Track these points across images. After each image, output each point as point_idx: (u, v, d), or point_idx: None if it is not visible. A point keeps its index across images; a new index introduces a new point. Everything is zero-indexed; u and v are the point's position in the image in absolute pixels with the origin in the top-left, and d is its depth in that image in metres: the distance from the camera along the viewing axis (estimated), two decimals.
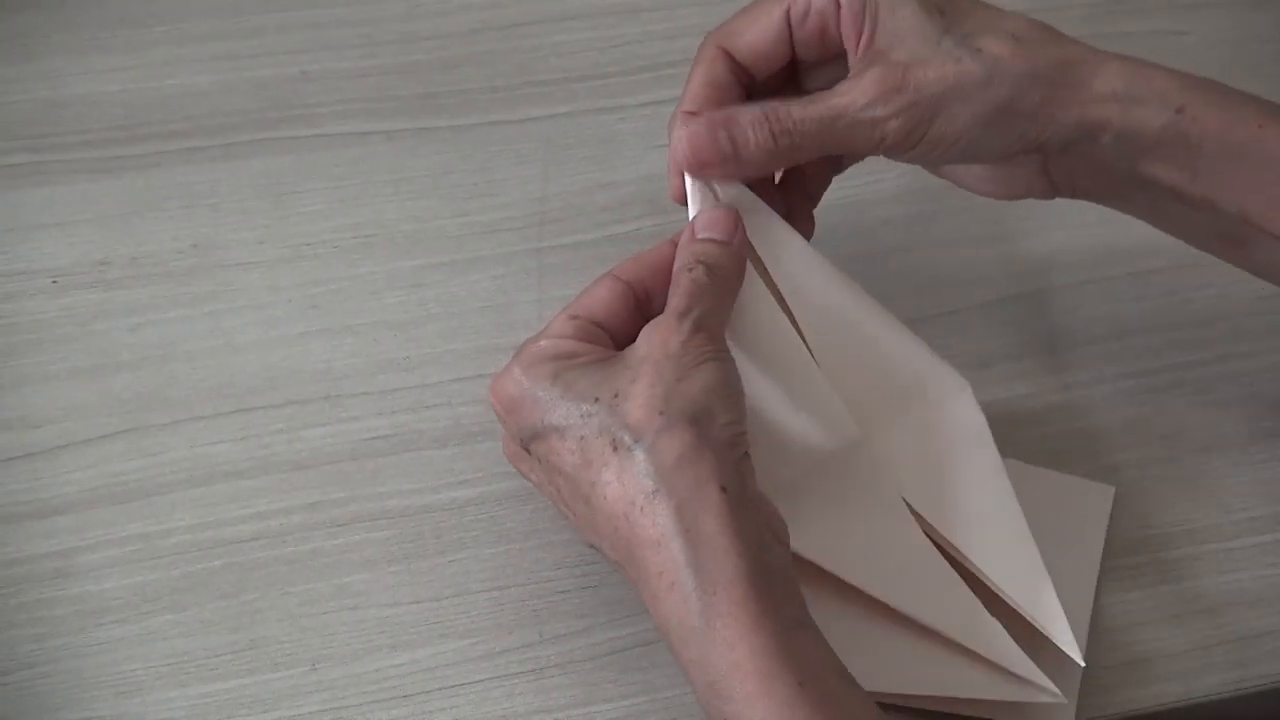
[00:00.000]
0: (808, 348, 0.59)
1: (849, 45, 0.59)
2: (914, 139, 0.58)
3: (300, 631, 0.61)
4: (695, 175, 0.59)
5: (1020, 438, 0.66)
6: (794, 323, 0.60)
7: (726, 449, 0.53)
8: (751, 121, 0.58)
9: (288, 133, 0.75)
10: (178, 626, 0.61)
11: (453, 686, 0.60)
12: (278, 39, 0.78)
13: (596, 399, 0.53)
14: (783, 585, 0.52)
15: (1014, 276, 0.72)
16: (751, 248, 0.59)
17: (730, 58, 0.60)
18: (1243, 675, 0.61)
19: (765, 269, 0.60)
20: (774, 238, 0.60)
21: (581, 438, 0.53)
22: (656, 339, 0.54)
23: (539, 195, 0.74)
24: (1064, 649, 0.57)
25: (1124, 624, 0.61)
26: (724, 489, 0.52)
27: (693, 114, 0.59)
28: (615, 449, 0.52)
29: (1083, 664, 0.57)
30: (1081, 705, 0.60)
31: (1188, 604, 0.62)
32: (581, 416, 0.53)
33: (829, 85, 0.59)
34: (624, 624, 0.61)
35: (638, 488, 0.52)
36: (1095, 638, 0.62)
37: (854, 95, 0.57)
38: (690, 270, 0.56)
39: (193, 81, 0.77)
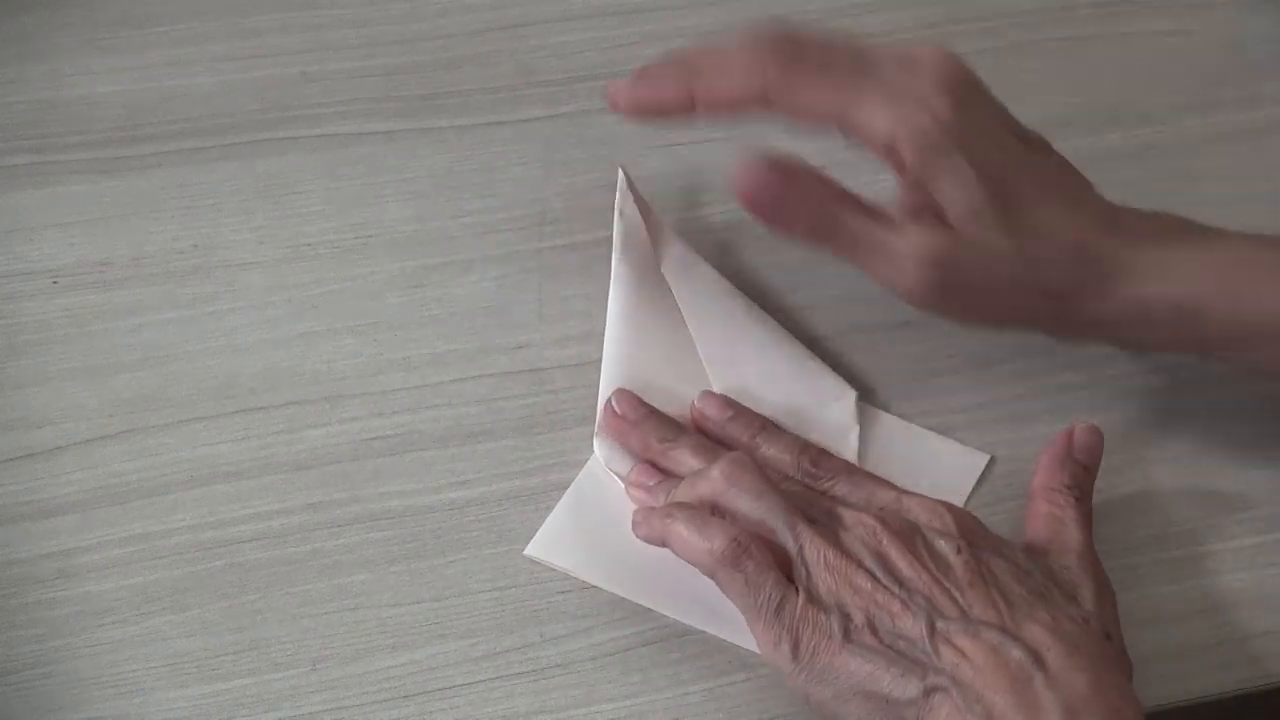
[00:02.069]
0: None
1: (900, 178, 0.60)
2: (933, 305, 0.61)
3: (301, 632, 0.61)
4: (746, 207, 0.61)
5: (1020, 438, 0.66)
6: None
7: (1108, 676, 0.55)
8: (805, 192, 0.60)
9: (288, 133, 0.75)
10: (178, 627, 0.61)
11: (453, 686, 0.60)
12: (278, 39, 0.78)
13: (1057, 584, 0.58)
14: None
15: None
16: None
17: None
18: (1243, 675, 0.61)
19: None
20: (682, 263, 0.68)
21: (1030, 606, 0.56)
22: (1090, 567, 0.59)
23: (539, 195, 0.74)
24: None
25: (1124, 624, 0.61)
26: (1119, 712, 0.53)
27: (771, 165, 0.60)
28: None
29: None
30: None
31: (1188, 604, 0.62)
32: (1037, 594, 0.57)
33: None
34: (624, 624, 0.61)
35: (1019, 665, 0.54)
36: None
37: (901, 244, 0.59)
38: (1078, 500, 0.61)
39: (193, 82, 0.77)
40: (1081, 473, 0.61)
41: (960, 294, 0.60)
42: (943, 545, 0.57)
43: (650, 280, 0.68)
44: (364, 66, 0.78)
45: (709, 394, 0.65)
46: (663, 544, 0.59)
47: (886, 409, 0.67)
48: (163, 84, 0.76)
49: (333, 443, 0.66)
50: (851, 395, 0.66)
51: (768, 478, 0.59)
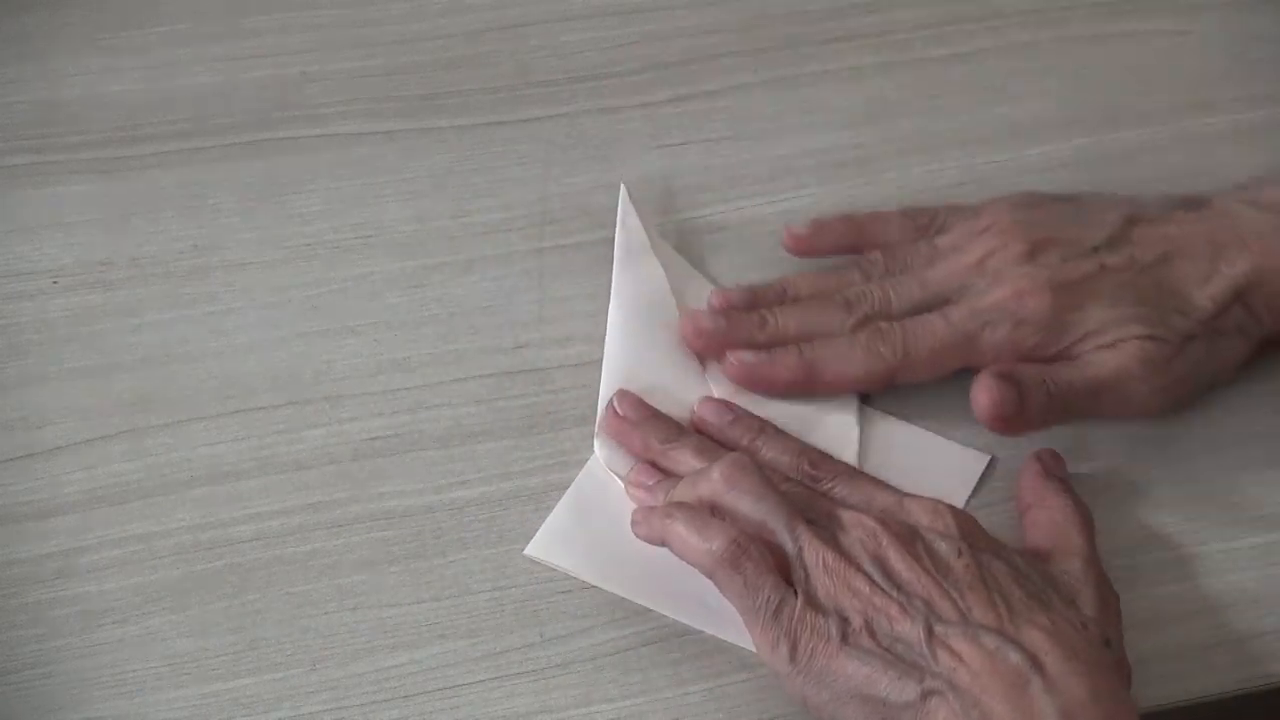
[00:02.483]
0: None
1: None
2: (1180, 404, 0.65)
3: (300, 632, 0.61)
4: (991, 427, 0.63)
5: (1020, 438, 0.66)
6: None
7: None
8: (1034, 382, 0.63)
9: (288, 133, 0.75)
10: (178, 627, 0.61)
11: (453, 687, 0.60)
12: (278, 39, 0.78)
13: (1057, 589, 0.58)
14: None
15: None
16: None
17: None
18: (1243, 675, 0.61)
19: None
20: (683, 273, 0.70)
21: (1045, 609, 0.56)
22: (1093, 571, 0.60)
23: (539, 195, 0.74)
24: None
25: (1125, 624, 0.61)
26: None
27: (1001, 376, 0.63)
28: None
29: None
30: None
31: (1188, 604, 0.62)
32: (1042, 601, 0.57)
33: None
34: (624, 624, 0.61)
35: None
36: None
37: (1118, 365, 0.63)
38: (1076, 504, 0.62)
39: (193, 82, 0.77)
40: (1068, 483, 0.63)
41: (1192, 390, 0.66)
42: (943, 547, 0.56)
43: (651, 288, 0.68)
44: (364, 66, 0.78)
45: (709, 399, 0.65)
46: (662, 543, 0.59)
47: (888, 411, 0.67)
48: (163, 84, 0.76)
49: (333, 443, 0.66)
50: (853, 398, 0.66)
51: (768, 479, 0.59)
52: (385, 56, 0.78)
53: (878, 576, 0.56)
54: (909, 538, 0.57)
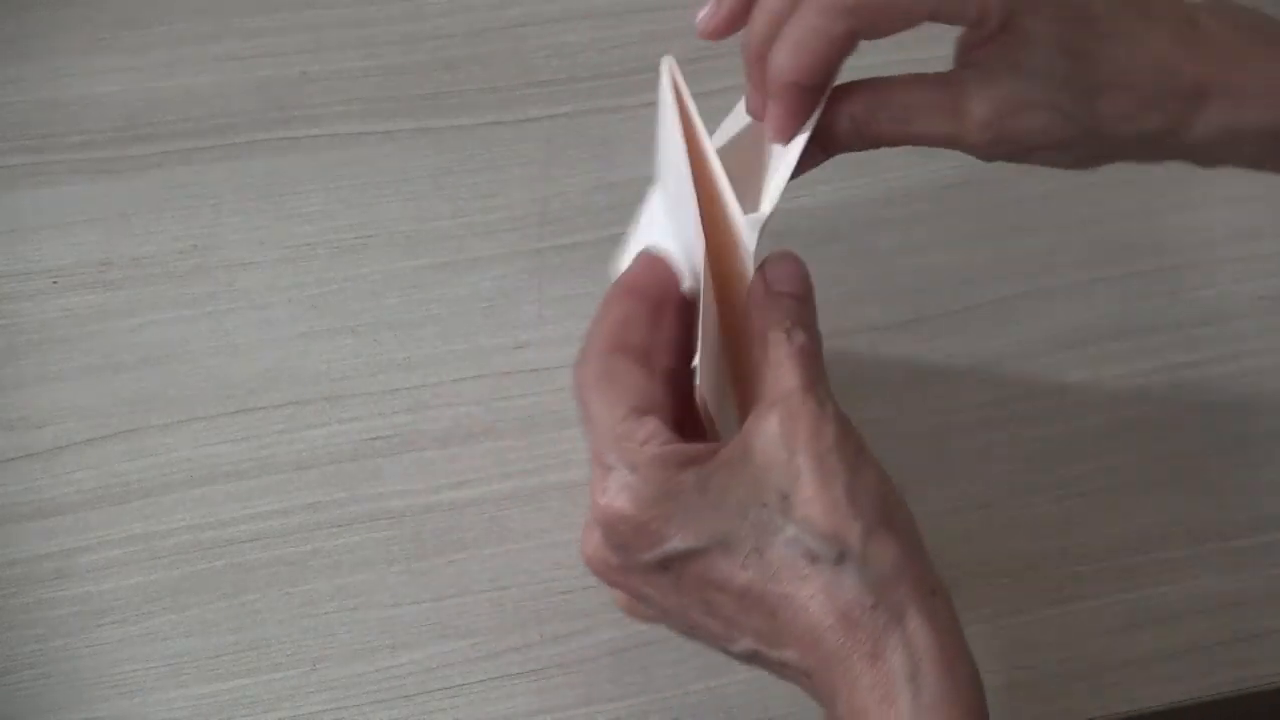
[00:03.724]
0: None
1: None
2: (997, 150, 0.55)
3: (301, 632, 0.61)
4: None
5: (1020, 438, 0.66)
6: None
7: (920, 545, 0.50)
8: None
9: (288, 133, 0.75)
10: (178, 627, 0.61)
11: (453, 687, 0.60)
12: (278, 39, 0.78)
13: (764, 504, 0.48)
14: (984, 699, 0.49)
15: (1013, 276, 0.72)
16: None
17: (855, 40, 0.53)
18: (1243, 675, 0.61)
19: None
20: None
21: (756, 549, 0.48)
22: (801, 426, 0.49)
23: (539, 195, 0.74)
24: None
25: (1124, 624, 0.61)
26: (934, 593, 0.49)
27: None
28: (813, 561, 0.48)
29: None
30: (1081, 706, 0.60)
31: (1188, 604, 0.62)
32: (752, 527, 0.48)
33: None
34: (624, 624, 0.61)
35: (853, 601, 0.48)
36: (1096, 638, 0.62)
37: (957, 129, 0.54)
38: (790, 335, 0.51)
39: (193, 81, 0.77)
40: (794, 305, 0.52)
41: (1018, 151, 0.54)
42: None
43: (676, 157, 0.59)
44: (364, 66, 0.78)
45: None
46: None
47: (889, 412, 0.66)
48: (163, 84, 0.76)
49: (333, 443, 0.66)
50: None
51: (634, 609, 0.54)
52: (385, 56, 0.78)
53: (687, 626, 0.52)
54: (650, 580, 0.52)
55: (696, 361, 0.52)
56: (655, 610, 0.52)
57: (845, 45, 0.52)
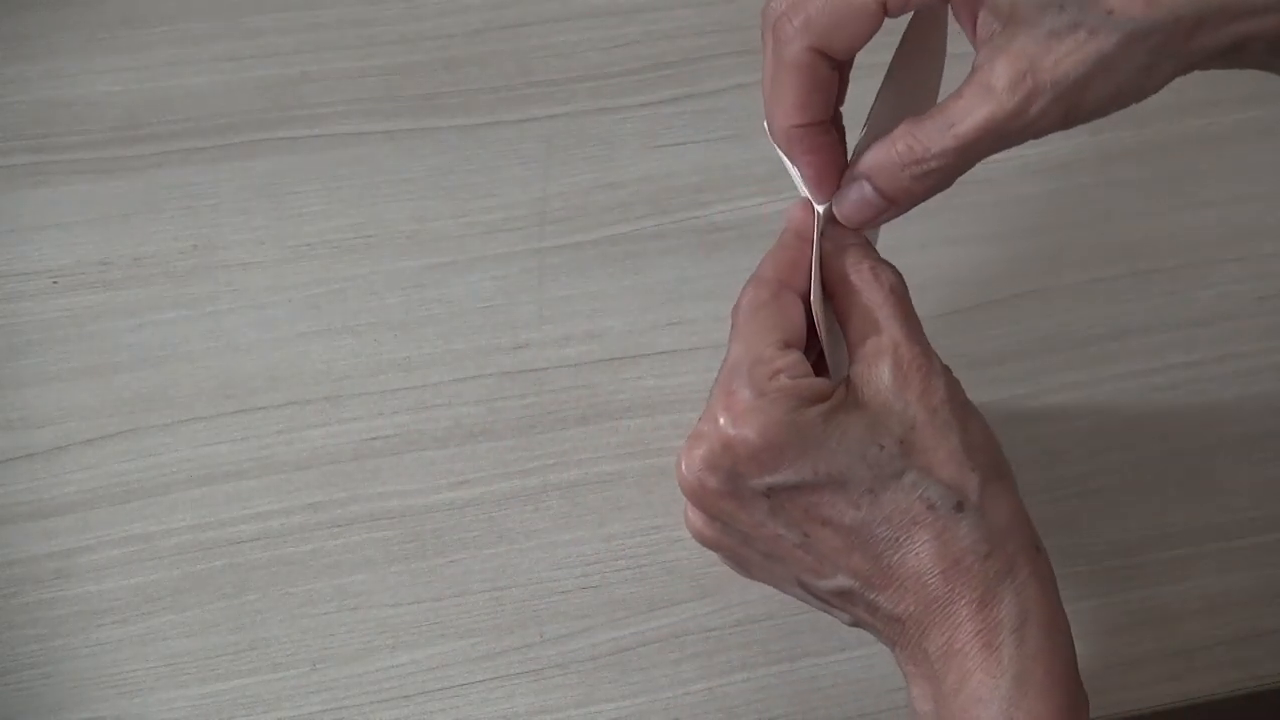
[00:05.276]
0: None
1: (964, 25, 0.54)
2: (1067, 123, 0.51)
3: (301, 632, 0.61)
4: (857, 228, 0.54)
5: (1020, 437, 0.66)
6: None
7: (1020, 503, 0.51)
8: (893, 167, 0.52)
9: (288, 133, 0.75)
10: (178, 627, 0.61)
11: (453, 687, 0.60)
12: (278, 39, 0.78)
13: (881, 447, 0.49)
14: (1073, 645, 0.51)
15: (1014, 276, 0.72)
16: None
17: (825, 56, 0.52)
18: (1243, 675, 0.61)
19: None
20: None
21: (870, 490, 0.49)
22: (913, 378, 0.50)
23: (539, 195, 0.74)
24: None
25: (1124, 624, 0.61)
26: (1039, 549, 0.51)
27: (805, 126, 0.53)
28: (930, 507, 0.49)
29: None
30: None
31: (1188, 604, 0.62)
32: (869, 468, 0.49)
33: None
34: (624, 624, 0.61)
35: (967, 549, 0.49)
36: (1096, 639, 0.62)
37: (991, 108, 0.50)
38: (877, 276, 0.52)
39: (193, 81, 0.77)
40: (865, 243, 0.54)
41: (1078, 103, 0.50)
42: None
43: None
44: (364, 66, 0.78)
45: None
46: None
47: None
48: (163, 84, 0.76)
49: (333, 443, 0.66)
50: None
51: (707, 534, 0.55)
52: (385, 56, 0.78)
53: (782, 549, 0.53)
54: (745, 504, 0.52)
55: (814, 299, 0.53)
56: (735, 538, 0.53)
57: (812, 73, 0.52)
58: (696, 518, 0.54)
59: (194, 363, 0.68)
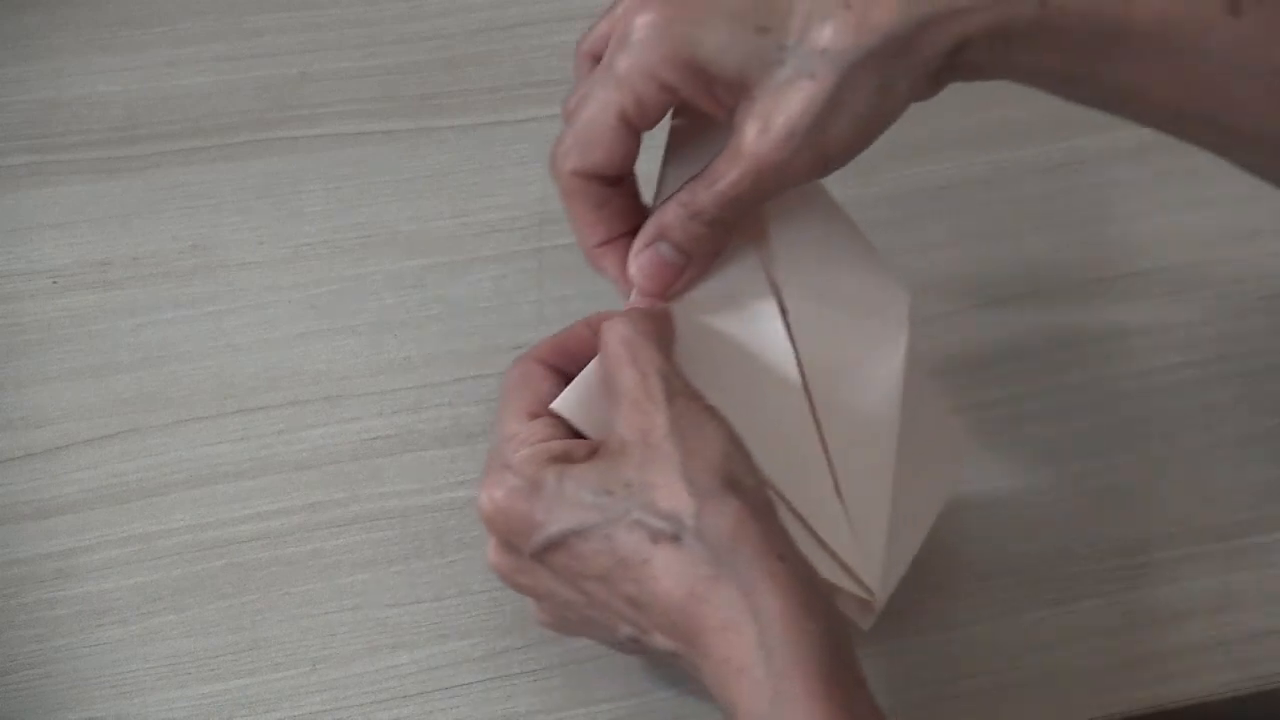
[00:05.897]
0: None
1: (719, 115, 0.55)
2: (827, 165, 0.54)
3: (301, 632, 0.61)
4: (667, 299, 0.56)
5: (1020, 437, 0.66)
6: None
7: (766, 511, 0.51)
8: (680, 222, 0.54)
9: (288, 133, 0.75)
10: (178, 627, 0.61)
11: (453, 686, 0.60)
12: (278, 39, 0.78)
13: (610, 492, 0.50)
14: (844, 649, 0.50)
15: (1012, 277, 0.72)
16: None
17: (594, 176, 0.56)
18: (1243, 675, 0.61)
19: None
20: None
21: (607, 536, 0.50)
22: (635, 417, 0.51)
23: (539, 195, 0.74)
24: (863, 579, 0.55)
25: (1124, 624, 0.61)
26: (781, 557, 0.49)
27: (608, 243, 0.56)
28: (655, 541, 0.50)
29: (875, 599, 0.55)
30: (1081, 705, 0.60)
31: (1188, 604, 0.62)
32: (601, 513, 0.50)
33: None
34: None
35: (694, 575, 0.49)
36: (1096, 638, 0.62)
37: (743, 166, 0.53)
38: (617, 340, 0.53)
39: (193, 81, 0.77)
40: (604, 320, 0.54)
41: (825, 140, 0.53)
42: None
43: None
44: (364, 66, 0.78)
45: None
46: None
47: None
48: (163, 84, 0.76)
49: (333, 443, 0.66)
50: (907, 301, 0.59)
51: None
52: (385, 56, 0.78)
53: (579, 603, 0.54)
54: (527, 571, 0.54)
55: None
56: (556, 609, 0.54)
57: (585, 195, 0.56)
58: (536, 612, 0.56)
59: (194, 363, 0.68)
